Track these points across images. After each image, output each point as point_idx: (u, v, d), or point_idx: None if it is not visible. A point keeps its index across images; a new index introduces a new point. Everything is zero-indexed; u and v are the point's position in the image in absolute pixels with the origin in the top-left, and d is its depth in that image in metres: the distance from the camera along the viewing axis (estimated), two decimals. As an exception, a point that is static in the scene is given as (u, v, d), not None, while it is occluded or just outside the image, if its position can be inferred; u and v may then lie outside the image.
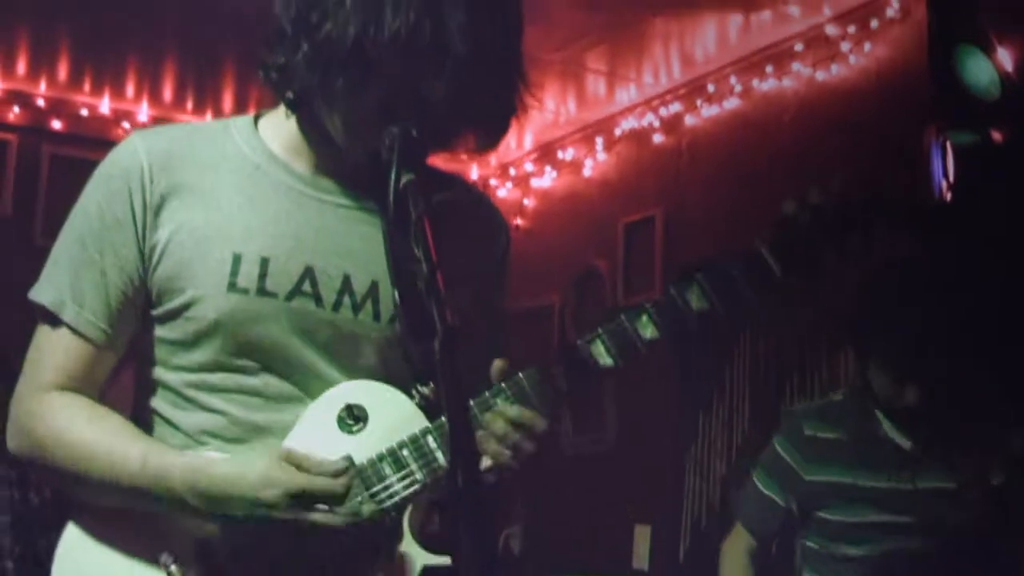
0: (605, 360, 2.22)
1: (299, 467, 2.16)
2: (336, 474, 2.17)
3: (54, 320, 2.30)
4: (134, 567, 2.24)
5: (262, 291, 2.26)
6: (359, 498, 2.20)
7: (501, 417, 2.17)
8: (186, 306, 2.27)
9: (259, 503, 2.13)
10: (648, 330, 2.22)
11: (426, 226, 1.89)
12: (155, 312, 2.31)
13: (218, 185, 2.32)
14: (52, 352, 2.31)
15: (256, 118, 2.43)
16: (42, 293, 2.32)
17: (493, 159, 8.01)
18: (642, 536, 6.79)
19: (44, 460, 2.28)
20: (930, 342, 3.77)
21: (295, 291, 2.27)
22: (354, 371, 2.30)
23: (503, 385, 2.20)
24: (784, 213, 2.21)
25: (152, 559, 2.23)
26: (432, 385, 2.23)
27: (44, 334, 2.33)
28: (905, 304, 3.77)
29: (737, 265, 2.22)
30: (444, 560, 2.21)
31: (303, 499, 2.13)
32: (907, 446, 3.90)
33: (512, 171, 8.18)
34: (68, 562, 2.29)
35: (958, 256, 4.12)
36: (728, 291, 2.21)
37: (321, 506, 2.14)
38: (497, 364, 2.20)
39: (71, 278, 2.30)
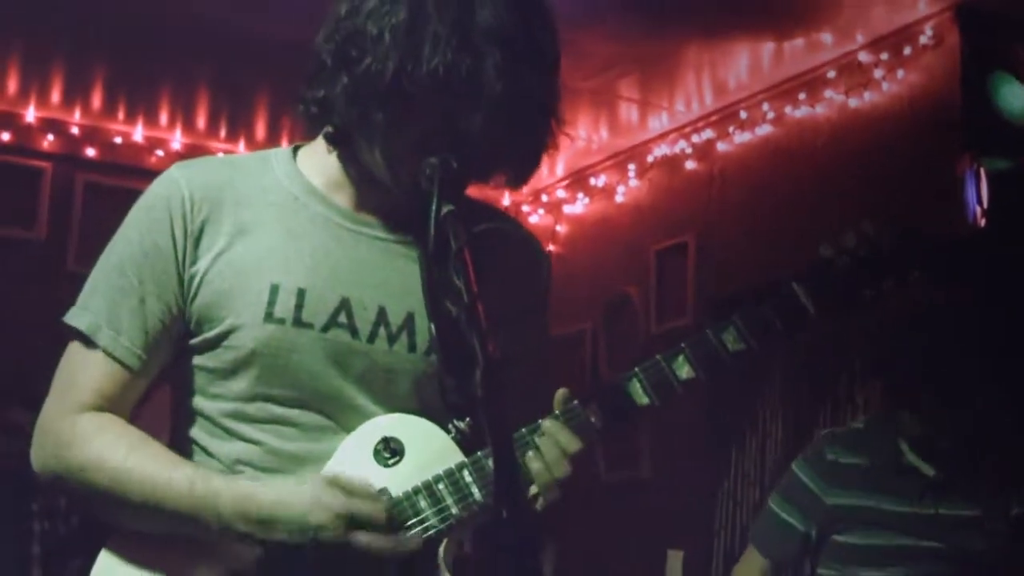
0: (642, 399, 2.24)
1: (347, 491, 2.16)
2: (380, 501, 2.18)
3: (89, 344, 2.30)
4: None
5: (298, 321, 2.27)
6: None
7: (551, 439, 2.18)
8: (224, 335, 2.29)
9: (308, 526, 2.13)
10: (684, 370, 2.24)
11: (467, 257, 1.91)
12: (193, 341, 2.32)
13: (257, 216, 2.34)
14: (85, 374, 2.30)
15: (295, 150, 2.45)
16: (78, 318, 2.32)
17: (526, 186, 8.00)
18: (674, 561, 6.77)
19: (79, 483, 2.26)
20: (961, 392, 3.81)
21: (331, 322, 2.29)
22: (388, 403, 2.31)
23: (540, 422, 2.21)
24: (820, 255, 2.25)
25: None
26: (468, 420, 2.23)
27: (77, 356, 2.32)
28: (936, 353, 3.80)
29: (773, 305, 2.25)
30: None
31: (351, 522, 2.14)
32: (930, 474, 3.91)
33: (544, 197, 8.19)
34: None
35: (989, 296, 4.12)
36: (763, 331, 2.25)
37: (366, 528, 2.15)
38: (560, 394, 2.23)
39: (109, 304, 2.31)
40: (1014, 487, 3.93)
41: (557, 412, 2.22)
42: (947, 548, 3.86)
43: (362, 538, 2.14)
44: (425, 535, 2.21)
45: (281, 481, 2.22)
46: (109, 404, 2.30)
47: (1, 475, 5.64)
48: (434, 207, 1.98)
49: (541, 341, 2.53)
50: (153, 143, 7.57)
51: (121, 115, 7.44)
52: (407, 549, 2.18)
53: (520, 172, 2.33)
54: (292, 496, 2.16)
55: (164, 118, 7.45)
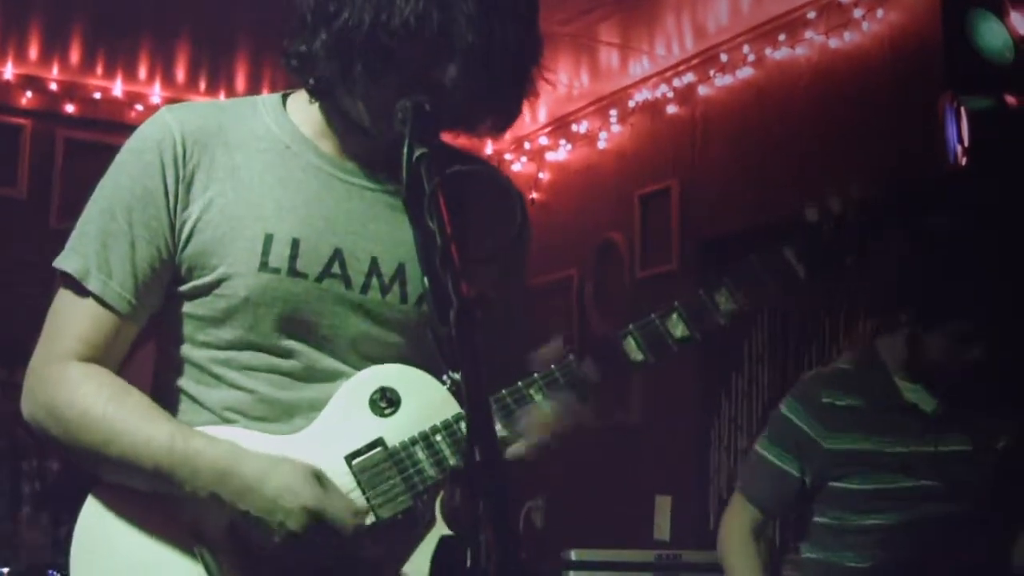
0: (637, 356, 2.29)
1: (324, 489, 2.20)
2: (355, 512, 2.21)
3: (79, 289, 2.31)
4: (159, 548, 2.26)
5: (293, 271, 2.30)
6: (391, 482, 2.24)
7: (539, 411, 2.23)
8: (217, 283, 2.30)
9: (277, 507, 2.16)
10: (678, 329, 2.29)
11: (440, 199, 1.92)
12: (183, 288, 2.34)
13: (249, 163, 2.35)
14: (74, 320, 2.31)
15: (284, 97, 2.47)
16: (68, 261, 2.32)
17: (507, 133, 7.99)
18: (663, 507, 6.81)
19: (62, 432, 2.27)
20: (964, 317, 3.83)
21: (325, 272, 2.32)
22: (383, 353, 2.34)
23: (536, 375, 2.25)
24: (807, 220, 2.29)
25: (178, 538, 2.25)
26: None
27: (66, 302, 2.33)
28: (953, 275, 3.81)
29: (764, 268, 2.30)
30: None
31: (318, 519, 2.17)
32: (929, 410, 3.91)
33: (527, 145, 8.19)
34: (87, 540, 2.28)
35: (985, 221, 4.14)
36: (755, 292, 2.29)
37: (327, 531, 2.18)
38: (544, 350, 2.26)
39: (99, 248, 2.31)
40: (1003, 417, 3.96)
41: (553, 366, 2.26)
42: (943, 486, 3.86)
43: (319, 539, 2.17)
44: (423, 485, 2.24)
45: (270, 456, 2.22)
46: (98, 352, 2.31)
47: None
48: (406, 150, 2.01)
49: (523, 286, 2.56)
50: (133, 97, 7.56)
51: (100, 70, 7.42)
52: (364, 552, 2.21)
53: (500, 120, 2.35)
54: (271, 475, 2.18)
55: (143, 72, 7.43)
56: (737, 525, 4.10)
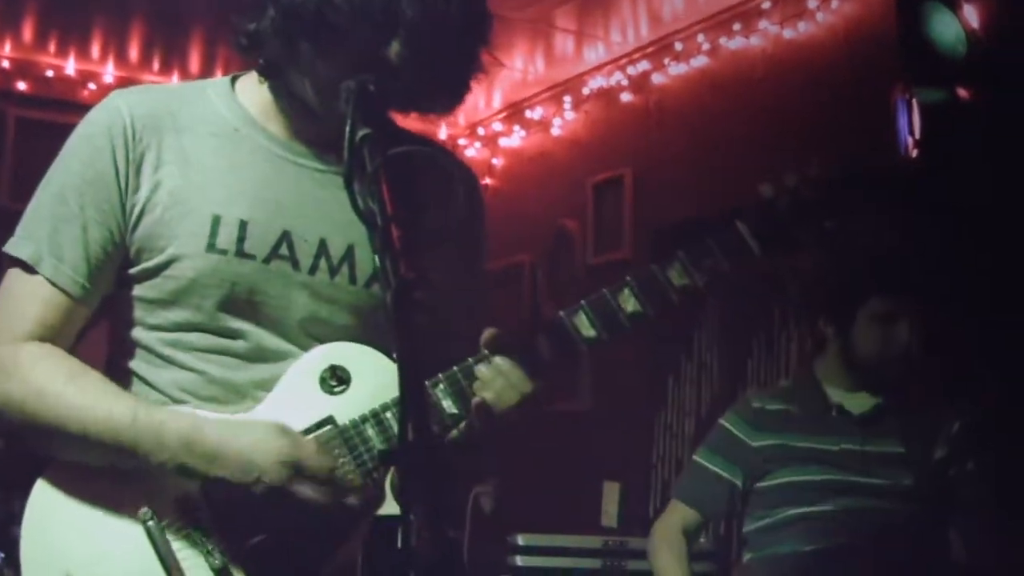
0: (588, 332, 2.27)
1: (294, 441, 2.19)
2: (327, 456, 2.21)
3: (31, 272, 2.30)
4: (108, 521, 2.25)
5: (240, 253, 2.29)
6: (341, 460, 2.24)
7: (495, 370, 2.21)
8: (165, 265, 2.30)
9: (252, 467, 2.16)
10: (630, 304, 2.27)
11: (381, 179, 1.90)
12: (133, 271, 2.33)
13: (198, 147, 2.35)
14: (27, 303, 2.30)
15: (233, 80, 2.46)
16: (19, 247, 2.31)
17: (461, 118, 8.02)
18: (611, 493, 6.82)
19: (17, 411, 2.25)
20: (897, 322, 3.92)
21: (272, 254, 2.31)
22: (332, 334, 2.34)
23: (486, 352, 2.24)
24: (763, 196, 2.28)
25: (127, 513, 2.24)
26: None
27: (18, 284, 2.31)
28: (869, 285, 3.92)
29: (718, 243, 2.28)
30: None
31: (295, 471, 2.16)
32: (857, 413, 3.99)
33: (481, 131, 8.18)
34: (37, 515, 2.27)
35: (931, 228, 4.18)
36: (708, 268, 2.27)
37: (309, 480, 2.17)
38: (487, 333, 2.23)
39: (50, 232, 2.30)
40: (937, 428, 3.99)
41: (486, 352, 2.24)
42: (874, 483, 3.93)
43: (302, 489, 2.17)
44: (372, 463, 2.24)
45: (232, 420, 2.23)
46: (51, 334, 2.29)
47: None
48: (348, 129, 1.98)
49: (477, 262, 2.55)
50: (85, 76, 7.50)
51: (53, 48, 7.36)
52: (349, 501, 2.20)
53: (447, 100, 2.35)
54: (240, 436, 2.19)
55: (96, 51, 7.38)
56: (667, 526, 4.22)
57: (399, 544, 1.65)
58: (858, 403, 4.02)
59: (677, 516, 4.21)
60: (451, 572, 1.65)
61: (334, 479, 2.19)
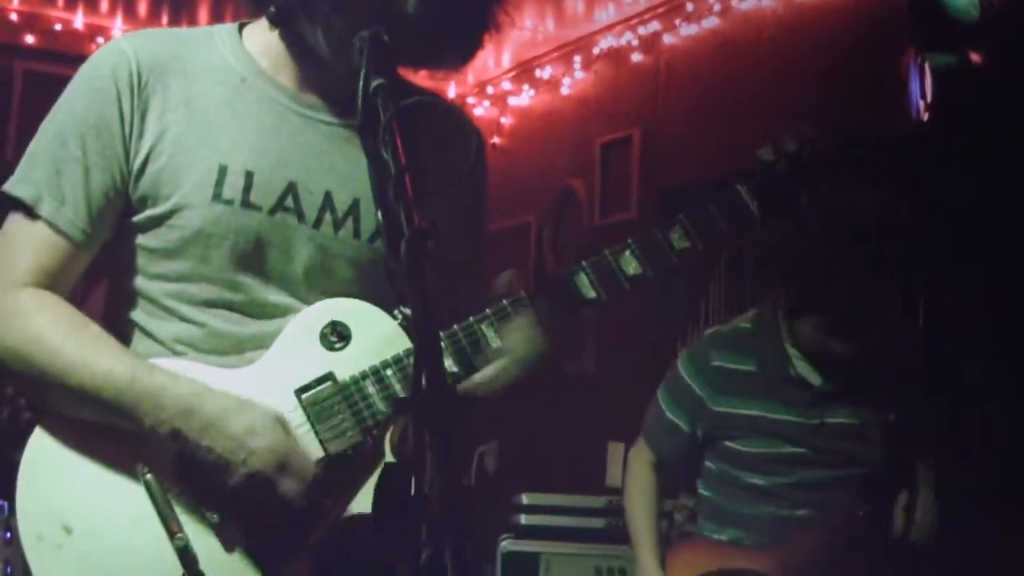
0: (589, 293, 2.26)
1: (288, 436, 2.19)
2: (315, 462, 2.21)
3: (30, 215, 2.26)
4: (106, 473, 2.23)
5: (246, 203, 2.27)
6: (341, 416, 2.23)
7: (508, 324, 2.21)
8: (170, 213, 2.27)
9: (242, 446, 2.15)
10: (631, 266, 2.26)
11: (395, 129, 1.89)
12: (137, 219, 2.30)
13: (204, 94, 2.32)
14: (26, 247, 2.26)
15: (240, 27, 2.43)
16: (18, 187, 2.28)
17: (471, 77, 7.99)
18: (615, 454, 6.82)
19: (17, 364, 2.23)
20: (861, 296, 3.81)
21: (278, 205, 2.29)
22: (334, 288, 2.32)
23: (488, 311, 2.23)
24: (762, 159, 2.27)
25: (125, 465, 2.23)
26: None
27: (17, 228, 2.28)
28: (838, 255, 3.76)
29: (718, 205, 2.27)
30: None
31: (281, 461, 2.16)
32: (817, 384, 3.94)
33: (490, 89, 8.15)
34: (35, 466, 2.25)
35: (900, 202, 4.13)
36: (708, 230, 2.27)
37: (291, 477, 2.17)
38: (503, 277, 2.24)
39: (51, 174, 2.27)
40: (891, 396, 3.96)
41: (504, 301, 2.23)
42: (825, 455, 3.93)
43: (284, 482, 2.17)
44: (373, 420, 2.23)
45: (233, 396, 2.21)
46: (50, 279, 2.26)
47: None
48: (362, 80, 1.97)
49: (479, 217, 2.53)
50: (94, 30, 7.48)
51: (61, 1, 7.34)
52: (323, 505, 2.21)
53: (460, 54, 2.32)
54: (238, 414, 2.17)
55: (105, 4, 7.36)
56: (638, 461, 4.28)
57: (412, 492, 1.65)
58: (813, 372, 3.96)
59: (645, 456, 4.26)
60: (464, 521, 1.64)
61: (315, 483, 2.19)
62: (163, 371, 2.22)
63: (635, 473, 4.28)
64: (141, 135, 2.28)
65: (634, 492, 4.27)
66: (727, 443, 4.03)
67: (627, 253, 2.26)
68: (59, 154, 2.27)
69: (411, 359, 2.19)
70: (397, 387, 2.22)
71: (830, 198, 2.27)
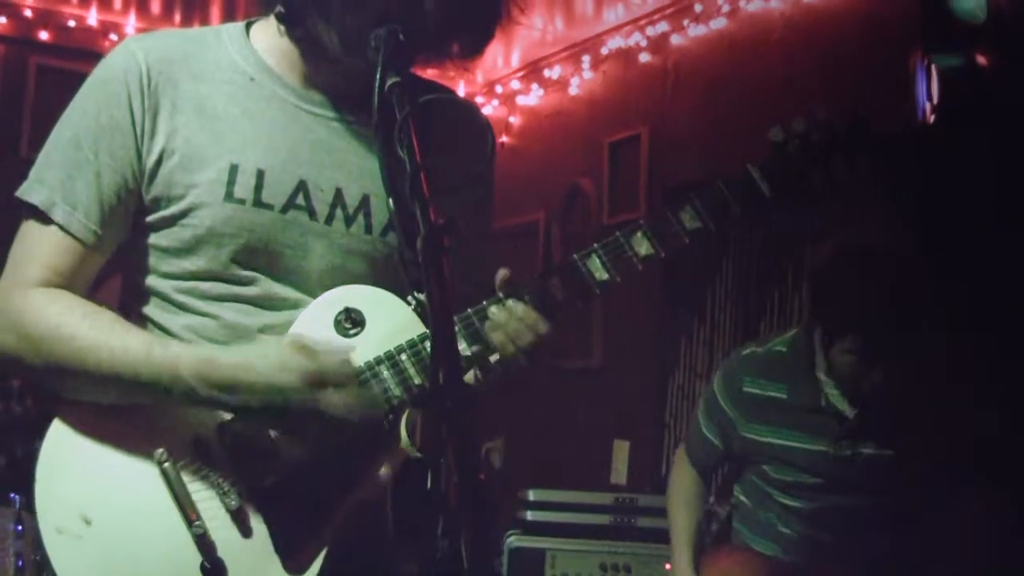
0: (601, 274, 2.26)
1: (311, 352, 2.17)
2: (345, 358, 2.20)
3: (44, 219, 2.28)
4: (123, 462, 2.24)
5: (258, 202, 2.28)
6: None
7: (508, 311, 2.20)
8: (183, 213, 2.29)
9: (274, 388, 2.14)
10: (643, 247, 2.26)
11: (411, 127, 1.90)
12: (150, 218, 2.32)
13: (214, 94, 2.33)
14: (40, 249, 2.28)
15: (247, 26, 2.44)
16: (32, 192, 2.30)
17: (480, 76, 7.99)
18: (621, 451, 6.82)
19: (35, 355, 2.24)
20: (895, 329, 3.76)
21: (289, 203, 2.30)
22: (346, 282, 2.32)
23: (500, 294, 2.23)
24: (772, 140, 2.27)
25: (142, 454, 2.23)
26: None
27: (32, 231, 2.30)
28: (866, 288, 3.74)
29: (729, 186, 2.27)
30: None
31: (319, 381, 2.15)
32: (850, 414, 3.89)
33: (499, 88, 8.15)
34: (53, 458, 2.26)
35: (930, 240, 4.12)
36: (720, 211, 2.27)
37: (334, 389, 2.16)
38: (501, 273, 2.23)
39: (63, 178, 2.28)
40: (926, 432, 3.91)
41: (500, 294, 2.23)
42: (859, 486, 3.91)
43: (330, 396, 2.15)
44: (388, 404, 2.23)
45: (244, 345, 2.22)
46: (64, 280, 2.28)
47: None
48: (379, 78, 1.98)
49: (489, 212, 2.55)
50: (107, 27, 7.49)
51: (75, -2, 7.36)
52: (375, 405, 2.20)
53: (472, 44, 2.32)
54: (256, 359, 2.16)
55: (118, 1, 7.36)
56: (678, 472, 4.35)
57: (428, 485, 1.66)
58: (845, 401, 3.92)
59: (686, 467, 4.31)
60: (482, 514, 1.65)
61: (357, 382, 2.19)
62: (177, 342, 2.24)
63: (677, 474, 4.33)
64: (153, 136, 2.29)
65: (674, 493, 4.33)
66: (757, 465, 4.04)
67: (639, 234, 2.26)
68: (71, 157, 2.29)
69: (425, 344, 2.22)
70: (411, 371, 2.23)
71: (846, 176, 2.26)
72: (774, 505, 4.00)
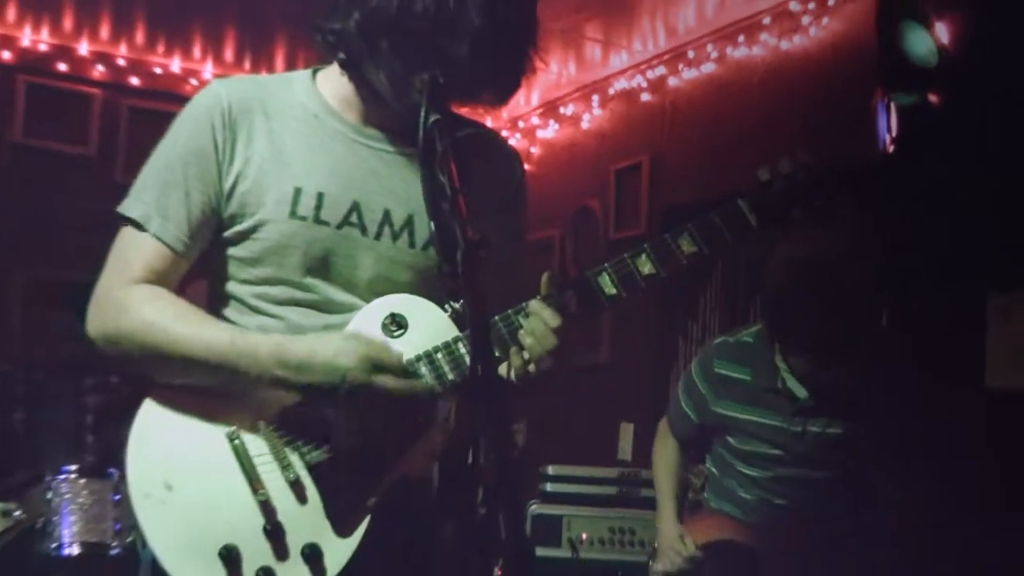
0: (610, 290, 2.26)
1: (367, 341, 2.22)
2: (395, 351, 2.24)
3: (140, 229, 2.32)
4: (201, 437, 2.27)
5: (318, 220, 2.32)
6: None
7: (538, 317, 2.21)
8: (254, 228, 2.32)
9: (338, 368, 2.18)
10: (646, 267, 2.26)
11: (450, 157, 1.94)
12: (227, 233, 2.35)
13: (283, 129, 2.37)
14: (137, 253, 2.32)
15: (314, 72, 2.48)
16: (131, 208, 2.34)
17: (504, 114, 8.00)
18: (626, 433, 6.82)
19: (133, 343, 2.26)
20: (841, 341, 3.66)
21: (344, 221, 2.33)
22: (393, 290, 2.35)
23: (524, 305, 2.24)
24: (760, 179, 2.26)
25: (216, 431, 2.27)
26: (462, 301, 2.25)
27: (130, 239, 2.33)
28: (811, 302, 3.62)
29: (721, 217, 2.26)
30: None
31: (374, 365, 2.19)
32: (801, 397, 3.84)
33: (521, 124, 8.16)
34: (142, 433, 2.29)
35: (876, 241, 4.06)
36: (713, 237, 2.26)
37: (387, 372, 2.20)
38: (546, 275, 2.25)
39: (158, 195, 2.32)
40: (872, 410, 3.83)
41: (540, 296, 2.24)
42: (808, 459, 3.86)
43: (383, 379, 2.19)
44: (428, 393, 2.25)
45: (311, 335, 2.25)
46: (157, 279, 2.31)
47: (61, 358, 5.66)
48: (423, 115, 2.01)
49: (519, 229, 2.57)
50: (188, 73, 7.52)
51: (161, 49, 7.40)
52: (421, 390, 2.23)
53: (502, 92, 2.34)
54: (322, 345, 2.21)
55: (197, 52, 7.41)
56: (661, 443, 4.33)
57: (470, 462, 1.68)
58: (798, 385, 3.86)
59: (666, 433, 4.31)
60: (514, 488, 1.67)
61: (407, 369, 2.23)
62: (255, 333, 2.27)
63: (660, 440, 4.33)
64: (231, 162, 2.33)
65: (658, 454, 4.33)
66: (726, 437, 4.02)
67: (643, 256, 2.26)
68: (165, 178, 2.33)
69: (458, 345, 2.25)
70: (446, 368, 2.25)
71: (824, 211, 2.25)
72: (737, 474, 3.99)
